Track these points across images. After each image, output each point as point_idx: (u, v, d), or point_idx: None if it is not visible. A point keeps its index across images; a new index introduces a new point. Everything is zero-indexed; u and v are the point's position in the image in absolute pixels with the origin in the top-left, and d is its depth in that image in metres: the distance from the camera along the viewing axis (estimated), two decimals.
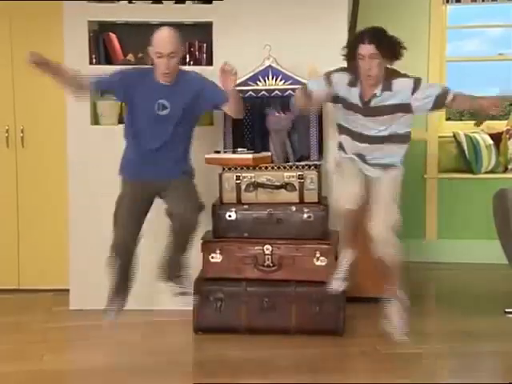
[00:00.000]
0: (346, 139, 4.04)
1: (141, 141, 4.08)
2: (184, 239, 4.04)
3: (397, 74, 3.91)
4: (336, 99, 3.96)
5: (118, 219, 4.11)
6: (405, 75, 3.93)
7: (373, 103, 3.88)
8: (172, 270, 4.11)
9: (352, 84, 3.91)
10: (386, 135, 3.94)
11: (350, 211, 3.87)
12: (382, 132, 3.93)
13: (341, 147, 4.10)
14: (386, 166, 3.98)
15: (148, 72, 4.10)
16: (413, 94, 3.85)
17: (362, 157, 3.99)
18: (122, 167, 4.18)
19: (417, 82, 3.88)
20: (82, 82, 4.06)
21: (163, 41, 3.94)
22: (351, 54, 3.87)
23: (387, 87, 3.87)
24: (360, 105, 3.90)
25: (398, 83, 3.87)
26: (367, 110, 3.89)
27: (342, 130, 4.05)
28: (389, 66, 3.90)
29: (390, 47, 3.83)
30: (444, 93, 3.86)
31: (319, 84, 3.95)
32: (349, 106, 3.93)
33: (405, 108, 3.88)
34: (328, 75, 3.96)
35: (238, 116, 4.27)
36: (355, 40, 3.86)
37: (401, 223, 4.04)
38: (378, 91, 3.87)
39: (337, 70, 3.98)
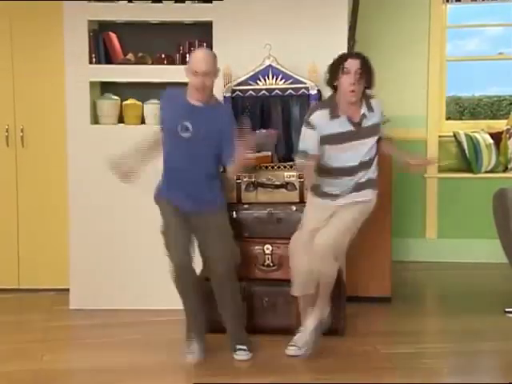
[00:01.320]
0: (327, 183, 3.98)
1: (169, 164, 4.06)
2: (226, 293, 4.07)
3: (368, 96, 3.96)
4: (324, 140, 3.90)
5: (169, 241, 4.02)
6: (370, 96, 3.98)
7: (363, 124, 3.91)
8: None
9: (334, 116, 3.89)
10: (367, 161, 3.95)
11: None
12: (366, 157, 3.93)
13: (314, 191, 4.05)
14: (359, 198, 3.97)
15: (180, 92, 4.06)
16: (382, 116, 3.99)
17: (336, 196, 3.97)
18: (157, 191, 4.13)
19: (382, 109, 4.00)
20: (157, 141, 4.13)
21: (200, 60, 3.96)
22: (336, 71, 3.86)
23: (370, 107, 3.93)
24: (353, 128, 3.89)
25: (374, 103, 3.95)
26: (360, 131, 3.90)
27: (327, 171, 3.95)
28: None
29: (370, 71, 3.88)
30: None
31: (310, 140, 3.90)
32: (342, 138, 3.89)
33: (379, 129, 3.98)
34: (308, 122, 3.92)
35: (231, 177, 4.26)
36: (342, 56, 3.90)
37: (344, 252, 4.05)
38: (364, 111, 3.90)
39: (312, 112, 3.94)
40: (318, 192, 4.03)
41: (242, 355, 4.03)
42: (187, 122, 3.96)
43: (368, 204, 4.00)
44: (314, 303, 4.02)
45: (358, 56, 3.87)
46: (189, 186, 4.01)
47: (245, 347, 4.05)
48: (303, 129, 3.95)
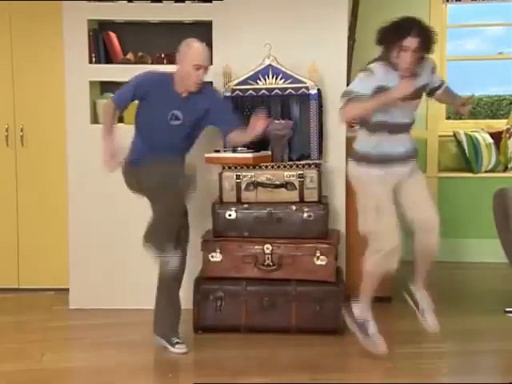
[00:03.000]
0: (378, 139, 3.88)
1: (151, 145, 4.04)
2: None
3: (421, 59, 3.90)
4: (381, 91, 3.78)
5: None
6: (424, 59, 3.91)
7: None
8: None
9: (392, 69, 3.79)
10: (412, 121, 3.97)
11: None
12: (411, 117, 3.95)
13: (363, 159, 3.92)
14: (412, 156, 4.00)
15: (168, 79, 4.07)
16: (432, 74, 3.96)
17: (392, 158, 3.90)
18: (133, 160, 4.08)
19: (435, 64, 3.99)
20: (111, 111, 4.06)
21: (203, 54, 3.98)
22: (390, 40, 3.78)
23: (420, 70, 3.87)
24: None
25: (424, 64, 3.90)
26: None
27: (378, 126, 3.88)
28: None
29: (430, 42, 3.82)
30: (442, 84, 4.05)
31: (364, 83, 3.78)
32: None
33: (426, 88, 3.96)
34: (366, 69, 3.81)
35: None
36: (400, 29, 3.78)
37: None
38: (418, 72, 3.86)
39: (372, 62, 3.84)
40: (374, 158, 3.90)
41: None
42: (177, 111, 4.01)
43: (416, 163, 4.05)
44: None
45: (418, 34, 3.74)
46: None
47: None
48: (359, 74, 3.83)
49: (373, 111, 3.80)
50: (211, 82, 4.68)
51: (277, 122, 4.49)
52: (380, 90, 3.76)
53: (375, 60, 3.87)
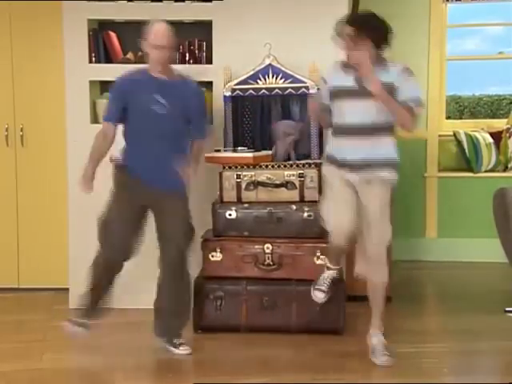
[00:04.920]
0: (337, 141, 3.87)
1: (141, 140, 4.01)
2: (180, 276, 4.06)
3: (383, 58, 3.84)
4: (335, 94, 3.84)
5: (110, 227, 4.08)
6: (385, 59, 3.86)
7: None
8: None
9: (345, 67, 3.83)
10: (375, 123, 3.77)
11: (341, 244, 3.87)
12: (374, 119, 3.76)
13: (328, 157, 3.94)
14: (371, 165, 3.81)
15: (143, 70, 4.06)
16: (398, 76, 3.77)
17: (351, 162, 3.80)
18: (124, 166, 4.09)
19: (406, 69, 3.80)
20: (107, 135, 4.07)
21: (160, 34, 3.96)
22: (340, 33, 3.83)
23: (383, 68, 3.76)
24: (357, 87, 3.76)
25: (392, 65, 3.80)
26: (363, 90, 3.72)
27: (336, 129, 3.88)
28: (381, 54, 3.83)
29: (373, 33, 3.76)
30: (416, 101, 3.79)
31: (322, 90, 3.97)
32: (346, 93, 3.80)
33: (392, 90, 3.73)
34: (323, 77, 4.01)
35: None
36: (342, 21, 3.82)
37: (391, 240, 3.95)
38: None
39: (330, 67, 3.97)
40: (333, 159, 3.89)
41: (186, 349, 4.07)
42: (158, 96, 3.95)
43: (389, 184, 3.86)
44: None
45: (352, 23, 3.76)
46: (156, 162, 3.99)
47: (184, 341, 4.10)
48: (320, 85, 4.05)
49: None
50: (211, 82, 4.69)
51: (285, 122, 4.49)
52: (333, 91, 3.85)
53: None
